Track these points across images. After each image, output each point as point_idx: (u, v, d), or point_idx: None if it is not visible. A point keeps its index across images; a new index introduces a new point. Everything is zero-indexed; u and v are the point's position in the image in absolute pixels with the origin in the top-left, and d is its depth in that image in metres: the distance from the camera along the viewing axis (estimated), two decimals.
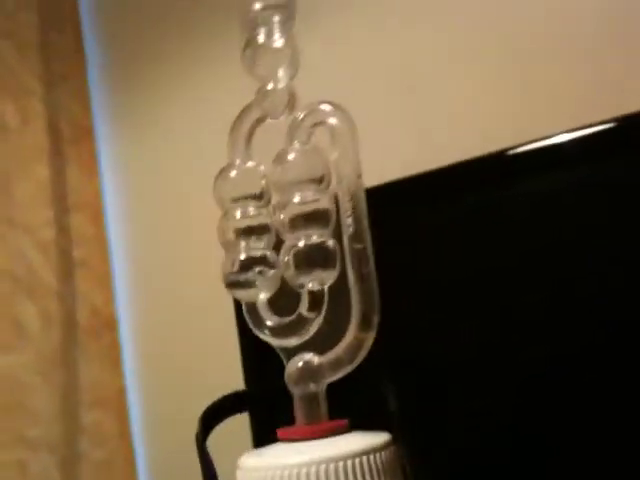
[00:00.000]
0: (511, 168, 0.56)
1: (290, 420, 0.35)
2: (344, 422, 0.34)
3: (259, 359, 0.72)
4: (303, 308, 0.35)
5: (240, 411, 0.40)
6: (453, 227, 0.48)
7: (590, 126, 0.52)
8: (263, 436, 0.35)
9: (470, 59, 0.78)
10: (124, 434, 1.10)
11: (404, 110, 0.81)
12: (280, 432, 0.34)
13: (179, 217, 1.09)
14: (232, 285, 0.36)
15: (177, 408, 1.06)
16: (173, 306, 1.09)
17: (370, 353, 0.34)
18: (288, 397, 0.35)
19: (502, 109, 0.76)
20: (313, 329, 0.34)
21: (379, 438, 0.33)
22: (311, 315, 0.35)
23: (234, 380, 0.83)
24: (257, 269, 0.36)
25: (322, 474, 0.30)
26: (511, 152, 0.53)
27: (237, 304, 0.80)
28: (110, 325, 1.13)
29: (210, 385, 1.01)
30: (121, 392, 1.12)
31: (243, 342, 0.75)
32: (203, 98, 1.07)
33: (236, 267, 0.36)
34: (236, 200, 0.37)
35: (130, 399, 1.13)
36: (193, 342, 1.05)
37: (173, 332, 1.08)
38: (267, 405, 0.50)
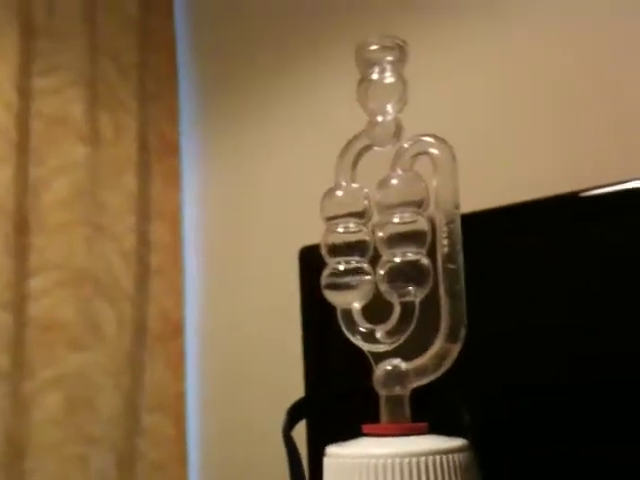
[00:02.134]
0: (597, 207, 0.58)
1: (343, 425, 0.37)
2: (424, 425, 0.37)
3: (322, 369, 0.76)
4: (394, 318, 0.38)
5: (316, 413, 0.44)
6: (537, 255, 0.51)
7: None
8: (318, 439, 0.38)
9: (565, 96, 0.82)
10: (180, 438, 1.15)
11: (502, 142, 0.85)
12: (366, 427, 0.37)
13: (253, 232, 1.15)
14: (330, 287, 0.40)
15: (234, 416, 1.10)
16: (239, 315, 1.13)
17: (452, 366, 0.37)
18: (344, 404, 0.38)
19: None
20: (403, 338, 0.38)
21: (456, 441, 0.36)
22: (401, 325, 0.38)
23: (294, 392, 0.86)
24: (354, 277, 0.40)
25: (405, 466, 0.33)
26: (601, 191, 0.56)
27: (304, 313, 0.83)
28: (177, 331, 1.18)
29: (269, 397, 1.05)
30: (181, 397, 1.16)
31: (307, 352, 0.79)
32: (284, 122, 1.13)
33: (335, 275, 0.40)
34: (340, 217, 0.41)
35: (189, 404, 1.17)
36: (256, 352, 1.09)
37: (237, 340, 1.13)
38: (326, 410, 0.53)
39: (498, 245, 0.50)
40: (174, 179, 1.25)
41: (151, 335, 1.16)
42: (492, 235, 0.50)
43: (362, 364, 0.40)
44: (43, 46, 1.15)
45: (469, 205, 0.44)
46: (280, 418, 0.54)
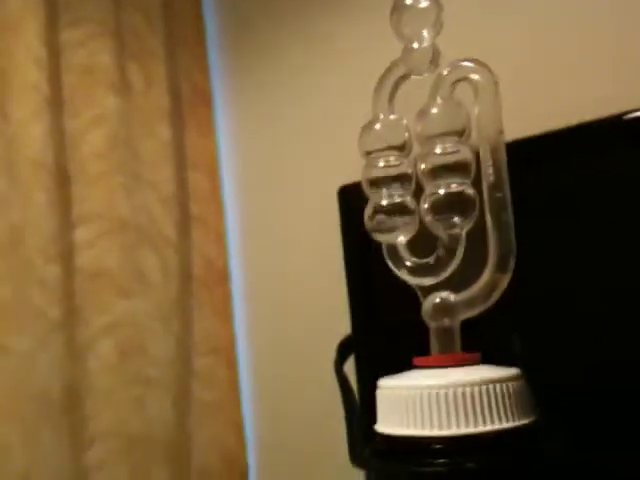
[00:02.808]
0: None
1: (394, 359, 0.38)
2: (477, 355, 0.37)
3: (368, 307, 0.76)
4: (441, 251, 0.38)
5: (365, 348, 0.44)
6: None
7: None
8: (368, 375, 0.39)
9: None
10: (232, 380, 1.17)
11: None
12: (416, 360, 0.37)
13: (289, 176, 1.14)
14: (374, 230, 0.39)
15: (284, 357, 1.12)
16: (283, 260, 1.14)
17: (501, 299, 0.37)
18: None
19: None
20: (449, 270, 0.37)
21: (509, 370, 0.35)
22: (448, 258, 0.38)
23: (341, 331, 0.87)
24: (397, 216, 0.39)
25: (459, 396, 0.33)
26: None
27: (346, 252, 0.83)
28: (222, 277, 1.19)
29: (317, 336, 1.07)
30: (231, 340, 1.18)
31: (352, 292, 0.79)
32: (315, 65, 1.11)
33: (378, 212, 0.39)
34: (380, 150, 0.40)
35: (239, 348, 1.20)
36: (301, 294, 1.10)
37: (282, 285, 1.14)
38: (373, 349, 0.54)
39: (550, 171, 0.48)
40: (208, 128, 1.24)
41: (197, 282, 1.17)
42: (542, 161, 0.49)
43: (409, 300, 0.40)
44: None
45: (515, 132, 0.43)
46: (330, 355, 0.55)
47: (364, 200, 0.41)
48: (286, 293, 1.13)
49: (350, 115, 0.74)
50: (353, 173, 0.69)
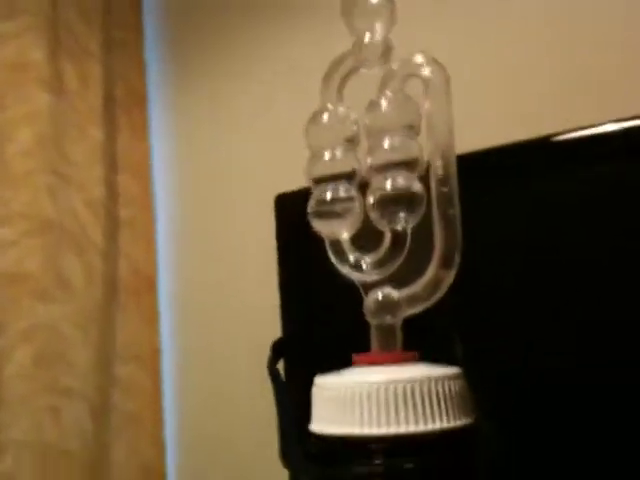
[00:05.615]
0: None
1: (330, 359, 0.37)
2: (416, 353, 0.36)
3: (300, 316, 0.75)
4: (385, 247, 0.37)
5: (296, 352, 0.43)
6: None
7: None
8: (303, 374, 0.38)
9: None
10: (154, 389, 1.13)
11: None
12: (356, 357, 0.36)
13: (225, 182, 1.12)
14: (316, 215, 0.38)
15: (211, 366, 1.09)
16: (214, 268, 1.12)
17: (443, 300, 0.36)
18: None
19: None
20: (394, 267, 0.37)
21: (449, 369, 0.35)
22: (392, 254, 0.37)
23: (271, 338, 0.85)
24: (341, 205, 0.38)
25: (399, 392, 0.32)
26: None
27: (280, 261, 0.82)
28: (150, 284, 1.16)
29: (246, 345, 1.04)
30: (155, 349, 1.15)
31: (284, 301, 0.78)
32: (256, 71, 1.10)
33: (321, 203, 0.38)
34: (327, 143, 0.39)
35: (164, 357, 1.16)
36: (232, 303, 1.08)
37: (211, 292, 1.11)
38: (303, 352, 0.52)
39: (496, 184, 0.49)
40: (141, 130, 1.22)
41: (122, 288, 1.14)
42: (489, 174, 0.50)
43: (345, 306, 0.39)
44: None
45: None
46: (260, 362, 0.53)
47: (301, 208, 0.40)
48: (216, 301, 1.11)
49: (289, 121, 0.74)
50: (291, 181, 0.68)
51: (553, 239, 0.49)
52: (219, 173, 1.14)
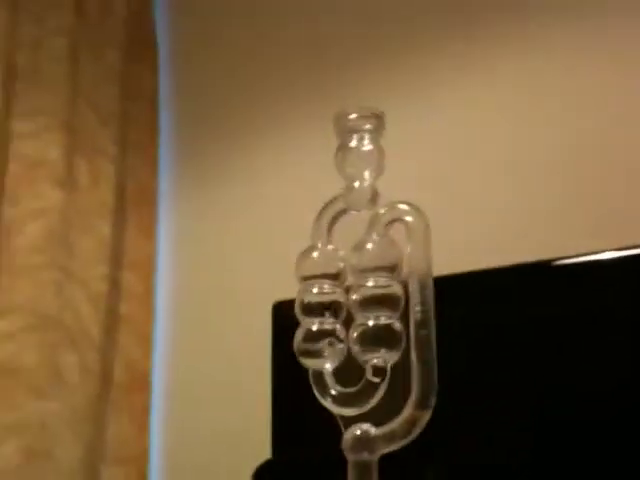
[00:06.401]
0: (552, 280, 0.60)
1: None
2: None
3: (290, 428, 0.75)
4: (365, 382, 0.38)
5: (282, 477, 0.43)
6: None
7: None
8: None
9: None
10: None
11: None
12: None
13: (226, 286, 1.14)
14: (302, 354, 0.40)
15: (200, 475, 1.07)
16: (209, 369, 1.12)
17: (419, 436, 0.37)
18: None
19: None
20: (373, 402, 0.38)
21: None
22: (372, 389, 0.38)
23: (262, 450, 0.84)
24: (326, 340, 0.40)
25: None
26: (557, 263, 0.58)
27: (275, 368, 0.83)
28: (144, 382, 1.15)
29: (237, 455, 1.03)
30: (144, 451, 1.13)
31: (276, 410, 0.78)
32: (263, 179, 1.15)
33: (308, 337, 0.40)
34: (315, 277, 0.41)
35: (152, 460, 1.14)
36: (226, 408, 1.07)
37: (206, 395, 1.11)
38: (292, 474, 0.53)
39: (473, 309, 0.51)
40: (149, 228, 1.24)
41: (116, 386, 1.13)
42: (467, 299, 0.52)
43: (333, 425, 0.40)
44: (24, 89, 1.15)
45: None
46: (246, 476, 0.54)
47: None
48: (210, 405, 1.10)
49: (291, 231, 0.76)
50: (289, 289, 0.70)
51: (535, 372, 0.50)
52: (221, 277, 1.16)
